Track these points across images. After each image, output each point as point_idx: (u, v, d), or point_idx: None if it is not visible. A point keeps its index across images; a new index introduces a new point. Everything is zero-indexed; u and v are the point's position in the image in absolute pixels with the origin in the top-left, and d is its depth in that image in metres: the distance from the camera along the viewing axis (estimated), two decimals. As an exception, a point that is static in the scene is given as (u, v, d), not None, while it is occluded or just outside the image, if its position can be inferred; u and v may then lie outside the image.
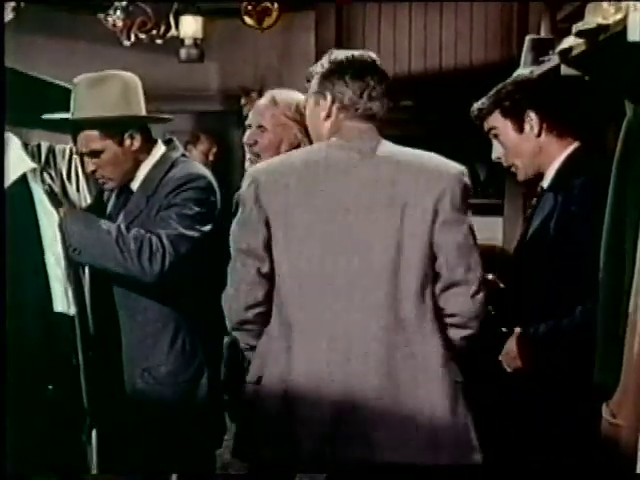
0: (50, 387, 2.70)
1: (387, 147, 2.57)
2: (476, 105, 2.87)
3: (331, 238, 2.48)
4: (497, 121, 2.82)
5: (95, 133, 2.96)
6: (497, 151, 2.88)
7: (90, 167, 3.03)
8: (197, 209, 2.95)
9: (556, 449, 2.63)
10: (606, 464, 2.20)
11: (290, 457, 2.49)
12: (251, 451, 2.55)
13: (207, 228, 2.97)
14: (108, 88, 2.97)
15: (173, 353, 3.01)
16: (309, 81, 2.66)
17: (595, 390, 2.26)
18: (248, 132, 3.26)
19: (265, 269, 2.51)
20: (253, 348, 2.58)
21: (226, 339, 3.15)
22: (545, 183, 2.82)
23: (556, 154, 2.78)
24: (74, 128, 3.01)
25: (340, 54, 2.63)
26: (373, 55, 2.64)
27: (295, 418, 2.46)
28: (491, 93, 2.85)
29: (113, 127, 2.97)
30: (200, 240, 2.94)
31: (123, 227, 2.90)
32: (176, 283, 2.93)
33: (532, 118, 2.78)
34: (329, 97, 2.59)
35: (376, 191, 2.49)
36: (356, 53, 2.63)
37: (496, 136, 2.85)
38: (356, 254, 2.48)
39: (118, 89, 2.99)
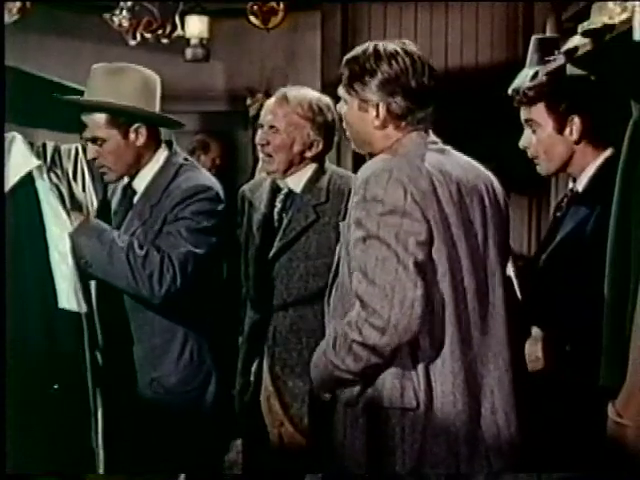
0: (55, 387, 2.70)
1: (457, 154, 2.48)
2: (525, 86, 2.77)
3: (471, 254, 2.36)
4: (539, 115, 2.74)
5: (102, 120, 2.95)
6: (526, 140, 2.80)
7: (91, 154, 3.01)
8: (206, 223, 2.92)
9: (572, 446, 2.62)
10: (612, 464, 2.20)
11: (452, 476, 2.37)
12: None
13: (215, 239, 2.96)
14: (126, 78, 2.96)
15: (182, 362, 2.99)
16: (353, 75, 2.41)
17: (601, 390, 2.26)
18: (260, 132, 3.22)
19: (431, 285, 2.28)
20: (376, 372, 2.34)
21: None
22: (579, 187, 2.77)
23: (590, 159, 2.73)
24: (83, 110, 2.99)
25: (395, 53, 2.38)
26: (417, 49, 2.43)
27: (458, 437, 2.34)
28: (541, 81, 2.76)
29: (121, 117, 2.95)
30: (209, 253, 2.93)
31: (136, 244, 2.87)
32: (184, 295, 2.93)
33: (575, 123, 2.71)
34: (382, 107, 2.39)
35: (483, 202, 2.42)
36: (410, 51, 2.39)
37: (531, 127, 2.77)
38: (484, 269, 2.39)
39: (136, 82, 2.97)
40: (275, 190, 3.26)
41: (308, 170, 3.21)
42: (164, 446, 2.96)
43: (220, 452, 3.24)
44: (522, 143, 2.82)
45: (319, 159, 3.22)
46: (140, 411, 2.98)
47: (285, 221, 3.20)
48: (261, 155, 3.23)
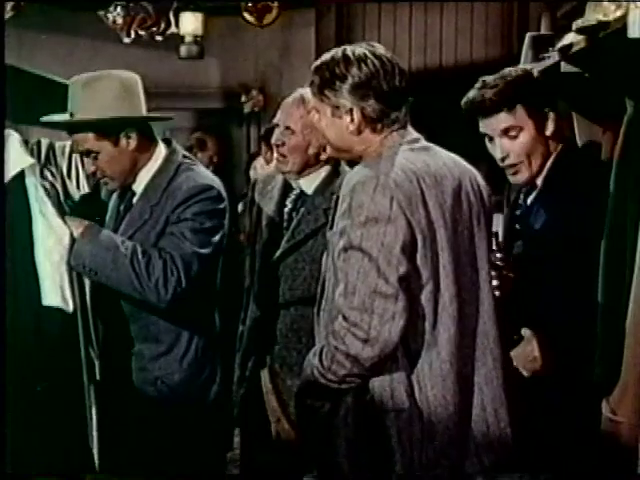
0: (39, 388, 2.69)
1: (440, 151, 2.46)
2: (489, 94, 2.72)
3: (457, 254, 2.33)
4: (521, 120, 2.70)
5: (90, 134, 2.92)
6: (505, 149, 2.73)
7: (90, 168, 3.00)
8: (208, 223, 2.92)
9: (565, 444, 2.62)
10: (606, 460, 2.21)
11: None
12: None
13: (218, 238, 2.95)
14: (103, 88, 2.92)
15: (186, 361, 2.99)
16: (323, 82, 2.38)
17: (595, 387, 2.26)
18: (275, 132, 3.15)
19: (414, 291, 2.26)
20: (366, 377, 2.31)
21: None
22: (538, 182, 2.75)
23: (548, 154, 2.73)
24: (70, 129, 2.98)
25: (364, 57, 2.36)
26: (386, 51, 2.42)
27: (450, 437, 2.33)
28: (500, 87, 2.70)
29: (107, 128, 2.93)
30: (212, 252, 2.93)
31: (139, 250, 2.86)
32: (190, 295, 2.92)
33: (552, 118, 2.70)
34: (357, 112, 2.36)
35: (469, 199, 2.40)
36: (378, 54, 2.38)
37: (513, 136, 2.72)
38: (472, 267, 2.38)
39: (113, 89, 2.93)
40: (287, 188, 3.20)
41: (322, 172, 3.13)
42: (165, 445, 2.95)
43: (223, 450, 3.23)
44: (500, 154, 2.74)
45: (334, 162, 3.17)
46: (142, 410, 2.96)
47: (294, 222, 3.14)
48: (275, 154, 3.16)
